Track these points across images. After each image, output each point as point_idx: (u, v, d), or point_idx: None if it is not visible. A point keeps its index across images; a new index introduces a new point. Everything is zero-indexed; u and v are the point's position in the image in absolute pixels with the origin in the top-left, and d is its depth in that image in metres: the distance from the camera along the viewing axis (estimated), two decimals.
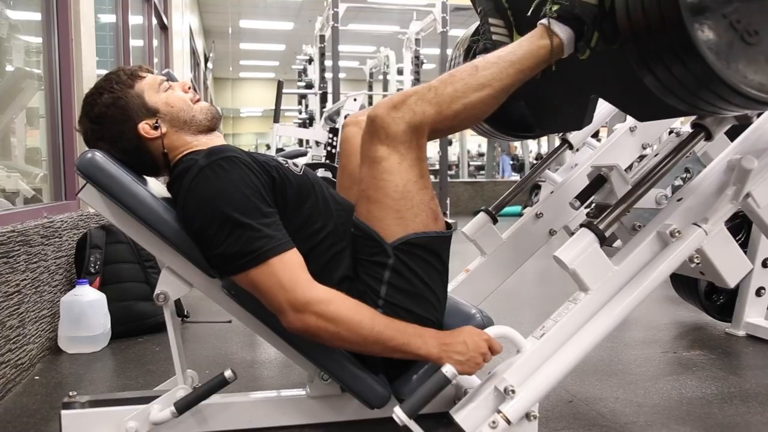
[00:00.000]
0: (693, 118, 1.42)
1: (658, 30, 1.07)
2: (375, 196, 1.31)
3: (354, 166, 1.56)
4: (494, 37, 1.58)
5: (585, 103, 1.51)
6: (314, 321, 1.23)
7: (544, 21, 1.31)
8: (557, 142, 2.39)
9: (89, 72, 2.91)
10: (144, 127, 1.41)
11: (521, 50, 1.31)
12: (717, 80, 1.05)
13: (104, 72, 1.48)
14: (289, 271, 1.25)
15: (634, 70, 1.19)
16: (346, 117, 5.16)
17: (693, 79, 1.08)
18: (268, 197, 1.31)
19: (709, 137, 1.42)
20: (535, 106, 1.72)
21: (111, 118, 1.40)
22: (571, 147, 2.23)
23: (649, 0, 1.07)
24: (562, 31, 1.29)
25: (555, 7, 1.29)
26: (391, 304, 1.32)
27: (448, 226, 1.42)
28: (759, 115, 1.52)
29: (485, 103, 1.31)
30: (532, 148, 12.22)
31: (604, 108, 1.69)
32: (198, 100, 1.49)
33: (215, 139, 1.47)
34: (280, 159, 1.47)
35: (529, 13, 1.43)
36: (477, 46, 1.70)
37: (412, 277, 1.33)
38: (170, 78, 1.56)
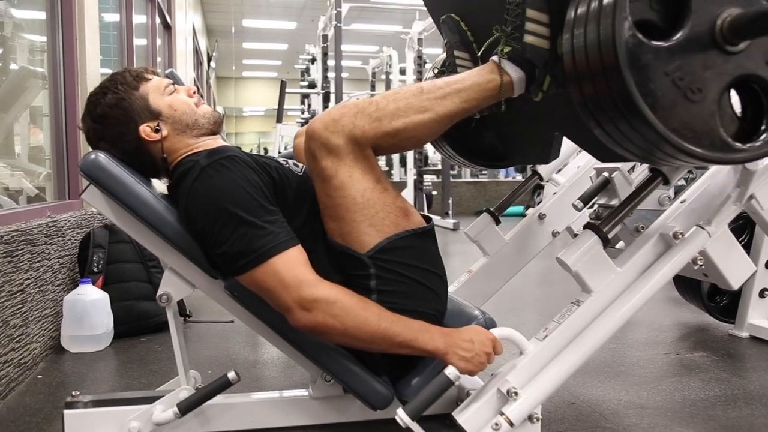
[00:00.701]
0: None
1: (602, 84, 1.05)
2: (337, 214, 1.29)
3: None
4: (458, 69, 1.56)
5: (550, 138, 1.51)
6: (322, 318, 1.23)
7: (495, 58, 1.30)
8: None
9: (93, 71, 2.91)
10: (145, 130, 1.41)
11: (469, 81, 1.29)
12: (662, 140, 1.02)
13: (108, 71, 1.49)
14: (293, 268, 1.24)
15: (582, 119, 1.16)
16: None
17: (638, 136, 1.06)
18: (269, 196, 1.32)
19: (666, 182, 1.41)
20: (505, 138, 1.72)
21: (113, 119, 1.41)
22: (541, 178, 2.21)
23: (591, 47, 1.04)
24: (513, 71, 1.28)
25: (507, 49, 1.28)
26: (388, 307, 1.31)
27: (427, 219, 1.41)
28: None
29: (426, 126, 1.28)
30: None
31: (570, 143, 1.69)
32: (201, 104, 1.49)
33: (216, 142, 1.48)
34: (281, 159, 1.47)
35: (479, 54, 1.44)
36: (445, 76, 1.70)
37: (398, 278, 1.32)
38: (175, 79, 1.56)
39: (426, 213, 1.49)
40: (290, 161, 1.49)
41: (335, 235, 1.32)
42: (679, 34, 1.02)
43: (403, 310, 1.31)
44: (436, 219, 6.98)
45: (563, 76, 1.17)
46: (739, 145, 1.07)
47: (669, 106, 1.02)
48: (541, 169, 2.18)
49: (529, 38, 1.25)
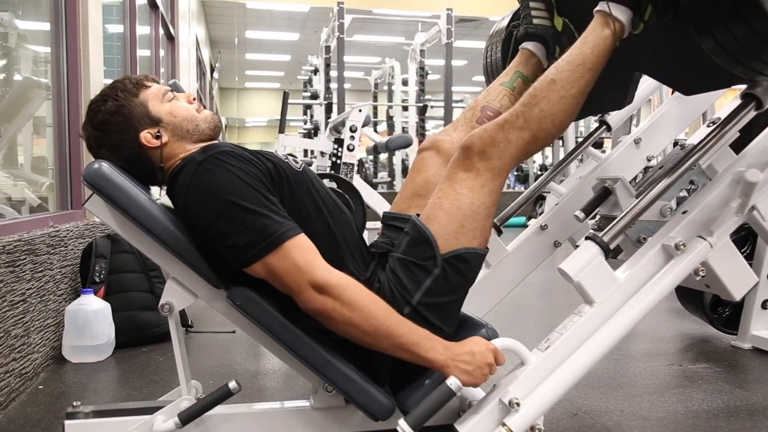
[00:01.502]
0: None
1: None
2: (447, 205, 1.35)
3: (421, 181, 1.63)
4: (535, 20, 1.62)
5: (627, 82, 1.53)
6: (331, 303, 1.24)
7: (602, 7, 1.35)
8: (561, 154, 2.39)
9: (97, 81, 2.93)
10: (146, 136, 1.41)
11: (588, 48, 1.36)
12: None
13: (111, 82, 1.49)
14: (304, 253, 1.26)
15: (692, 35, 1.23)
16: (333, 129, 5.19)
17: (758, 40, 1.12)
18: (269, 186, 1.32)
19: (759, 106, 1.43)
20: None
21: (114, 126, 1.41)
22: (609, 128, 2.25)
23: None
24: (621, 14, 1.34)
25: None
26: (417, 309, 1.34)
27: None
28: None
29: (570, 111, 1.37)
30: (536, 159, 12.21)
31: (640, 91, 1.71)
32: (202, 110, 1.50)
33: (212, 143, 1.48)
34: (279, 155, 1.48)
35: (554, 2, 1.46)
36: (518, 30, 1.72)
37: (448, 289, 1.36)
38: (176, 88, 1.57)
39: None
40: (290, 157, 1.49)
41: (427, 218, 1.38)
42: None
43: (425, 318, 1.33)
44: None
45: (664, 3, 1.24)
46: None
47: None
48: (610, 118, 2.19)
49: None
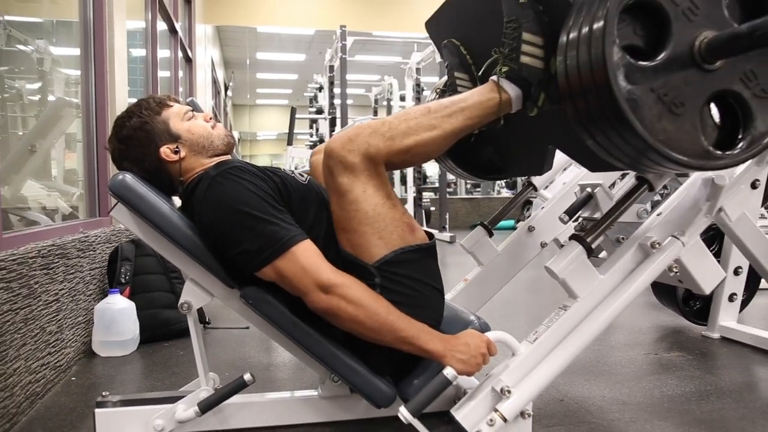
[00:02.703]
0: None
1: (594, 99, 1.06)
2: (350, 226, 1.29)
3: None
4: (459, 89, 1.57)
5: (544, 152, 1.51)
6: (337, 302, 1.23)
7: (494, 77, 1.31)
8: None
9: (122, 101, 2.93)
10: (165, 151, 1.42)
11: (472, 100, 1.30)
12: (650, 149, 1.03)
13: (135, 101, 1.49)
14: (310, 257, 1.26)
15: (574, 131, 1.17)
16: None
17: (628, 146, 1.07)
18: (277, 199, 1.32)
19: (651, 189, 1.41)
20: (501, 152, 1.73)
21: (137, 141, 1.41)
22: (535, 189, 2.22)
23: (583, 67, 1.05)
24: (511, 89, 1.28)
25: (504, 69, 1.29)
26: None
27: (430, 236, 1.41)
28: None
29: (435, 142, 1.28)
30: None
31: (562, 155, 1.70)
32: (216, 125, 1.50)
33: (226, 159, 1.48)
34: (286, 169, 1.47)
35: (479, 73, 1.44)
36: (445, 96, 1.70)
37: (401, 289, 1.31)
38: (194, 106, 1.57)
39: (427, 229, 1.49)
40: (296, 171, 1.49)
41: (346, 245, 1.32)
42: (662, 55, 1.04)
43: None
44: (434, 232, 6.97)
45: (557, 93, 1.18)
46: (719, 152, 1.09)
47: (655, 119, 1.04)
48: (536, 180, 2.18)
49: (525, 59, 1.26)
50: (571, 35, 1.09)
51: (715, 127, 1.11)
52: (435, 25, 1.71)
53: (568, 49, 1.10)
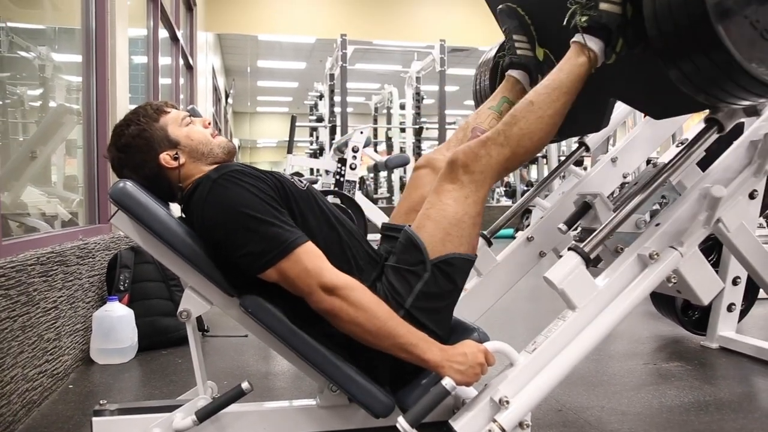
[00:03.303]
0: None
1: (686, 30, 1.13)
2: (434, 215, 1.35)
3: (417, 197, 1.62)
4: (518, 51, 1.63)
5: (603, 106, 1.55)
6: (338, 303, 1.24)
7: (578, 38, 1.36)
8: (546, 171, 2.38)
9: (123, 108, 2.93)
10: (165, 158, 1.41)
11: (564, 74, 1.37)
12: (741, 72, 1.10)
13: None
14: (313, 258, 1.27)
15: (660, 65, 1.24)
16: (337, 149, 5.21)
17: (718, 71, 1.14)
18: (279, 201, 1.32)
19: (721, 130, 1.44)
20: None
21: (136, 148, 1.41)
22: (588, 149, 2.25)
23: (676, 4, 1.12)
24: (595, 44, 1.35)
25: (584, 18, 1.34)
26: (410, 313, 1.32)
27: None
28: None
29: (547, 131, 1.37)
30: (512, 175, 12.19)
31: (616, 114, 1.73)
32: (216, 135, 1.50)
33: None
34: (286, 175, 1.48)
35: (564, 24, 1.47)
36: (503, 61, 1.73)
37: (439, 293, 1.34)
38: (194, 113, 1.57)
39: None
40: (295, 177, 1.49)
41: (417, 227, 1.37)
42: None
43: (418, 321, 1.32)
44: None
45: (634, 36, 1.27)
46: None
47: (749, 44, 1.11)
48: (589, 140, 2.19)
49: (603, 5, 1.31)
50: None
51: None
52: None
53: None
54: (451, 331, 1.45)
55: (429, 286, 1.33)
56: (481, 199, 1.38)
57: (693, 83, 1.22)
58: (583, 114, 1.62)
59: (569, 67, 1.37)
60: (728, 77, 1.14)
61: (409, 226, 1.40)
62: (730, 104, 1.33)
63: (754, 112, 1.43)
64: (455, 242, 1.35)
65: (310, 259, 1.26)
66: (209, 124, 1.51)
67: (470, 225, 1.36)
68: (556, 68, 1.40)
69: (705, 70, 1.16)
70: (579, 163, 2.87)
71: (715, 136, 1.45)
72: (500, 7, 1.66)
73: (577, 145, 2.31)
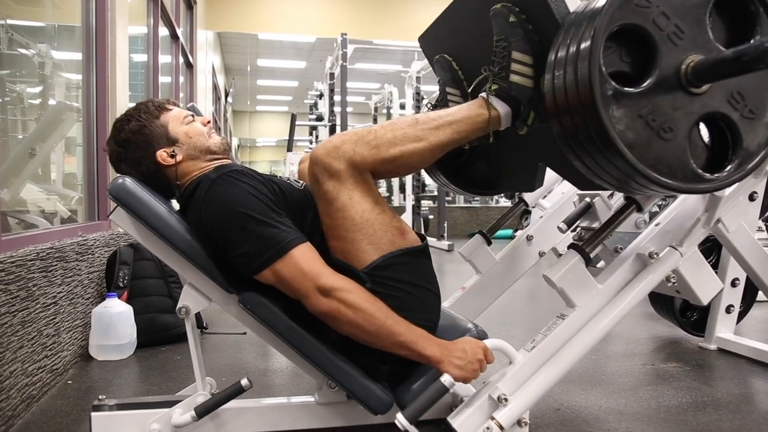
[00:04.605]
0: None
1: (581, 123, 1.06)
2: (339, 234, 1.29)
3: None
4: (450, 104, 1.56)
5: (534, 169, 1.51)
6: (336, 305, 1.23)
7: (483, 94, 1.31)
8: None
9: (122, 105, 2.94)
10: (161, 155, 1.42)
11: (460, 114, 1.29)
12: (639, 175, 1.03)
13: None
14: (310, 260, 1.26)
15: (563, 152, 1.17)
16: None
17: (614, 169, 1.07)
18: (276, 202, 1.32)
19: (639, 209, 1.42)
20: (493, 168, 1.73)
21: (134, 144, 1.42)
22: (526, 205, 2.20)
23: (570, 87, 1.05)
24: (500, 106, 1.28)
25: (494, 87, 1.29)
26: None
27: (422, 238, 1.40)
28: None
29: (420, 154, 1.27)
30: None
31: (552, 173, 1.71)
32: (212, 134, 1.50)
33: (225, 162, 1.49)
34: (282, 176, 1.48)
35: (469, 90, 1.44)
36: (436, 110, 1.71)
37: (392, 292, 1.30)
38: (195, 111, 1.58)
39: (419, 232, 1.48)
40: (291, 178, 1.49)
41: (337, 252, 1.31)
42: (648, 80, 1.04)
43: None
44: (433, 241, 6.97)
45: (546, 112, 1.17)
46: (708, 175, 1.08)
47: (644, 144, 1.03)
48: (527, 196, 2.18)
49: (514, 77, 1.25)
50: (559, 54, 1.09)
51: (704, 149, 1.10)
52: (428, 40, 1.71)
53: (556, 70, 1.10)
54: (448, 329, 1.45)
55: (378, 292, 1.28)
56: (367, 190, 1.27)
57: (596, 175, 1.14)
58: (517, 172, 1.61)
59: (467, 111, 1.30)
60: (628, 177, 1.07)
61: (332, 253, 1.32)
62: (642, 194, 1.30)
63: (673, 196, 1.41)
64: (376, 243, 1.28)
65: (306, 260, 1.26)
66: (208, 122, 1.51)
67: (376, 217, 1.28)
68: (457, 107, 1.33)
69: (603, 167, 1.08)
70: None
71: (635, 215, 1.42)
72: (436, 57, 1.64)
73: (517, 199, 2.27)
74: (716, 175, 1.08)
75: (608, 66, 1.02)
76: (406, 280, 1.33)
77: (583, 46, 1.02)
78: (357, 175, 1.25)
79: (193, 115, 1.50)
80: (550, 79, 1.11)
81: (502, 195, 11.61)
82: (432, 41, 1.70)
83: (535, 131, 1.30)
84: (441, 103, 1.64)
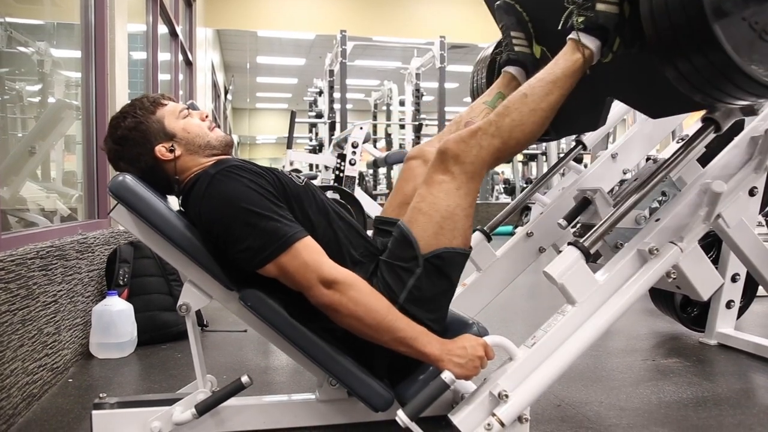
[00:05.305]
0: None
1: (683, 29, 1.12)
2: (426, 208, 1.33)
3: (410, 190, 1.60)
4: (516, 48, 1.62)
5: (601, 105, 1.54)
6: (338, 298, 1.24)
7: (573, 36, 1.35)
8: (545, 168, 2.38)
9: (122, 103, 2.89)
10: (160, 150, 1.41)
11: (559, 69, 1.35)
12: (739, 73, 1.10)
13: None
14: (312, 253, 1.27)
15: (657, 65, 1.23)
16: (336, 145, 5.22)
17: (716, 72, 1.13)
18: (277, 196, 1.32)
19: (718, 129, 1.43)
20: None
21: (132, 141, 1.41)
22: (585, 147, 2.24)
23: (673, 3, 1.11)
24: (591, 42, 1.33)
25: (581, 19, 1.33)
26: (404, 308, 1.32)
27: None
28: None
29: (539, 124, 1.35)
30: (520, 172, 12.20)
31: (613, 112, 1.72)
32: (214, 128, 1.49)
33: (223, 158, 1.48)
34: (284, 170, 1.48)
35: (559, 27, 1.45)
36: (500, 57, 1.73)
37: (431, 287, 1.33)
38: (194, 108, 1.57)
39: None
40: (292, 173, 1.49)
41: (408, 221, 1.35)
42: None
43: (413, 316, 1.31)
44: None
45: (631, 36, 1.25)
46: None
47: (747, 45, 1.09)
48: (586, 138, 2.19)
49: (600, 6, 1.30)
50: None
51: None
52: None
53: None
54: (449, 326, 1.45)
55: (421, 281, 1.32)
56: (473, 190, 1.35)
57: (690, 83, 1.21)
58: (581, 112, 1.62)
59: (564, 62, 1.36)
60: (726, 78, 1.14)
61: (402, 221, 1.39)
62: (728, 104, 1.33)
63: (751, 111, 1.43)
64: (448, 236, 1.33)
65: (309, 253, 1.26)
66: (207, 116, 1.51)
67: (463, 217, 1.34)
68: (552, 62, 1.39)
69: (702, 70, 1.16)
70: (579, 159, 2.87)
71: (712, 135, 1.44)
72: (498, 3, 1.65)
73: (575, 143, 2.31)
74: None
75: None
76: (449, 281, 1.38)
77: None
78: (476, 172, 1.34)
79: (189, 109, 1.49)
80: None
81: (502, 191, 11.63)
82: None
83: (606, 65, 1.35)
84: (506, 48, 1.68)
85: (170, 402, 1.43)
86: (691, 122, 2.25)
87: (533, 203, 2.30)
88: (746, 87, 1.13)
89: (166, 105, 1.46)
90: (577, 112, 1.64)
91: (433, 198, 1.33)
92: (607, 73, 1.40)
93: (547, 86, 1.35)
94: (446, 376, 1.21)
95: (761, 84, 1.11)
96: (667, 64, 1.21)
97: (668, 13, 1.13)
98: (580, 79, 1.38)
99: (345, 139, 5.43)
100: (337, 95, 8.29)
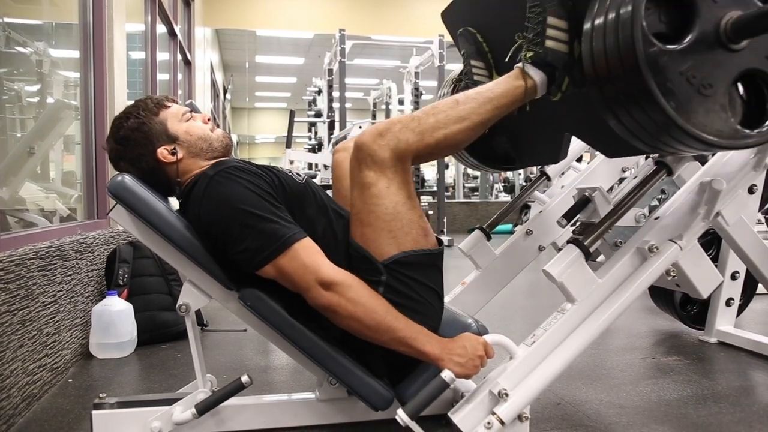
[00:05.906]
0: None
1: (621, 80, 1.08)
2: (367, 219, 1.29)
3: (345, 188, 1.55)
4: (475, 77, 1.58)
5: (559, 140, 1.51)
6: (336, 299, 1.24)
7: (519, 64, 1.32)
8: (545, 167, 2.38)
9: (120, 103, 2.93)
10: (162, 152, 1.41)
11: (498, 89, 1.31)
12: (678, 129, 1.05)
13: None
14: (311, 254, 1.26)
15: (598, 112, 1.19)
16: (335, 144, 5.22)
17: (655, 126, 1.08)
18: (276, 196, 1.32)
19: (669, 173, 1.42)
20: (515, 142, 1.73)
21: (134, 141, 1.41)
22: (548, 179, 2.22)
23: (611, 50, 1.07)
24: (536, 75, 1.29)
25: (529, 54, 1.29)
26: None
27: (440, 242, 1.40)
28: (714, 154, 1.55)
29: (464, 134, 1.29)
30: (521, 170, 12.21)
31: (577, 143, 1.70)
32: (215, 129, 1.49)
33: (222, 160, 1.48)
34: (284, 168, 1.48)
35: (507, 59, 1.44)
36: (460, 85, 1.71)
37: (405, 290, 1.31)
38: (193, 108, 1.57)
39: (438, 236, 1.48)
40: (293, 171, 1.49)
41: (358, 238, 1.32)
42: (689, 38, 1.06)
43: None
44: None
45: (581, 76, 1.20)
46: (747, 131, 1.10)
47: (685, 101, 1.05)
48: (549, 169, 2.19)
49: (550, 43, 1.26)
50: (597, 21, 1.11)
51: (742, 106, 1.13)
52: (451, 14, 1.73)
53: (595, 34, 1.11)
54: (448, 325, 1.45)
55: (391, 287, 1.30)
56: (405, 180, 1.29)
57: (631, 134, 1.16)
58: (541, 145, 1.62)
59: (505, 85, 1.31)
60: (667, 134, 1.09)
61: (353, 238, 1.34)
62: (675, 154, 1.31)
63: (703, 158, 1.42)
64: (401, 237, 1.29)
65: (308, 254, 1.26)
66: (209, 119, 1.51)
67: (406, 211, 1.29)
68: (494, 81, 1.34)
69: (643, 124, 1.11)
70: (578, 159, 2.87)
71: (665, 178, 1.43)
72: (460, 30, 1.64)
73: (539, 173, 2.30)
74: (755, 131, 1.11)
75: (649, 28, 1.04)
76: (421, 281, 1.34)
77: (624, 8, 1.04)
78: (399, 164, 1.27)
79: (191, 112, 1.49)
80: (589, 46, 1.13)
81: (502, 190, 11.63)
82: (455, 15, 1.71)
83: (562, 101, 1.31)
84: (465, 76, 1.65)
85: (170, 402, 1.43)
86: None
87: (533, 202, 2.30)
88: (688, 143, 1.09)
89: (169, 107, 1.46)
90: (537, 145, 1.64)
91: (368, 205, 1.28)
92: (563, 109, 1.37)
93: (481, 101, 1.29)
94: (446, 375, 1.21)
95: (703, 141, 1.06)
96: (608, 113, 1.16)
97: (606, 60, 1.09)
98: (518, 107, 1.33)
99: (344, 138, 5.43)
100: (336, 94, 8.28)
